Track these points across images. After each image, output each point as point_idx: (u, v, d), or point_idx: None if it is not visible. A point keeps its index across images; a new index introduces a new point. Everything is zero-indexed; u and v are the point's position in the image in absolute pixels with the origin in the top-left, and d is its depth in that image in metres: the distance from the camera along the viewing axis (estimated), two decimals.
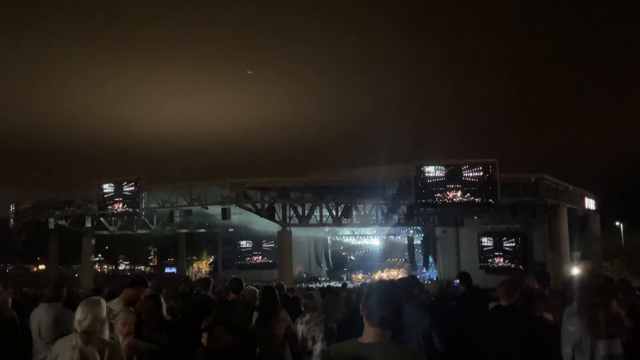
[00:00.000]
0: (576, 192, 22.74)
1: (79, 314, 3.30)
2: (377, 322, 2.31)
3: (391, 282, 2.52)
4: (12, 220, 27.68)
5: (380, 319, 2.31)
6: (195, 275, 37.97)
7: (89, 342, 3.21)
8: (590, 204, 24.25)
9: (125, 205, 22.13)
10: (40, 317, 5.14)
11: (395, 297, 2.39)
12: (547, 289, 5.59)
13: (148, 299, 4.93)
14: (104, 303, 3.46)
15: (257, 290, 8.30)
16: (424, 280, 24.71)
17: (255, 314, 5.44)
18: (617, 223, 29.82)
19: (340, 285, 16.88)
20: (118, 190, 22.35)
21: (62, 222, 26.90)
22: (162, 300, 5.07)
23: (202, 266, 50.65)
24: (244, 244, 32.33)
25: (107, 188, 22.76)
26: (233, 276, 6.33)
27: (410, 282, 5.10)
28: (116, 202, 22.38)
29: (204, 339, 4.30)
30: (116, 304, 4.65)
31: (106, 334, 3.47)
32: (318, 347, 5.07)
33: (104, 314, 3.44)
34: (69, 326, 4.81)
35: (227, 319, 4.91)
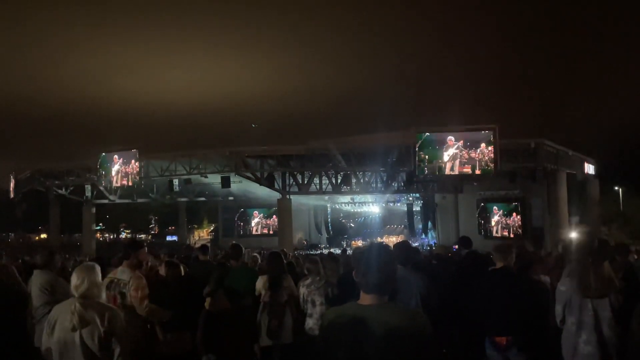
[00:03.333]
0: (575, 157, 22.73)
1: (75, 279, 3.30)
2: (370, 290, 2.33)
3: (380, 246, 2.50)
4: (12, 190, 27.73)
5: (373, 286, 2.32)
6: (195, 244, 38.30)
7: (87, 306, 3.23)
8: (589, 169, 24.27)
9: (124, 175, 22.11)
10: (32, 283, 5.26)
11: (385, 262, 2.37)
12: (541, 250, 5.67)
13: (168, 265, 5.04)
14: (98, 268, 3.45)
15: (258, 257, 8.43)
16: (423, 247, 24.99)
17: (260, 280, 5.53)
18: (616, 188, 29.92)
19: (340, 251, 17.06)
20: (117, 159, 22.30)
21: (61, 192, 26.97)
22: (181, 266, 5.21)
23: (202, 234, 51.07)
24: (244, 211, 32.56)
25: (106, 157, 22.71)
26: (233, 242, 6.39)
27: (406, 245, 5.16)
28: (115, 171, 22.36)
29: (207, 303, 4.37)
30: (122, 273, 4.62)
31: (103, 298, 3.49)
32: (317, 310, 5.19)
33: (100, 278, 3.44)
34: (60, 293, 4.88)
35: (228, 284, 5.00)
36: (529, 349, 4.17)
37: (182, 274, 5.15)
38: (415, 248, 7.17)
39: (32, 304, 5.17)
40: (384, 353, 2.22)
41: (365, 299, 2.34)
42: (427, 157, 18.61)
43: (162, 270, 5.20)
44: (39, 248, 25.69)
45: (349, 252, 14.38)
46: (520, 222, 24.41)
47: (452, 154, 18.52)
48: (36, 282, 5.23)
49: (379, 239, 30.43)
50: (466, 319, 4.95)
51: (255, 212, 32.28)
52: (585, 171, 23.57)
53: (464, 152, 18.37)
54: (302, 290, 5.38)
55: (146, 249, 5.04)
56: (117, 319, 3.31)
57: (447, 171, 18.64)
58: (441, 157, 18.58)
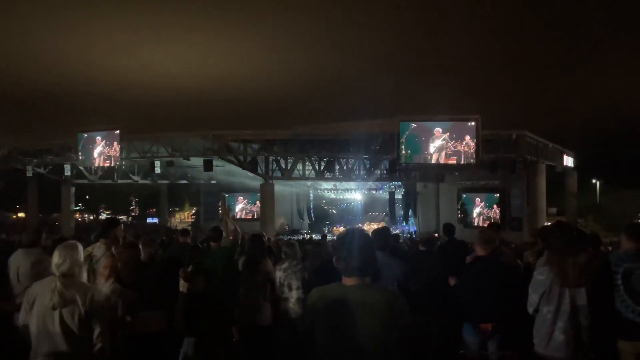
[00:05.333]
0: (555, 150, 23.04)
1: (56, 257, 3.27)
2: (352, 272, 2.43)
3: (358, 231, 2.60)
4: None
5: (354, 268, 2.42)
6: (177, 226, 38.09)
7: (69, 285, 3.21)
8: (568, 161, 24.65)
9: (105, 155, 21.80)
10: (18, 262, 5.15)
11: (364, 245, 2.47)
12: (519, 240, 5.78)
13: (126, 247, 4.95)
14: (80, 247, 3.43)
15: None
16: (404, 234, 25.20)
17: (241, 261, 5.54)
18: (594, 181, 30.48)
19: (320, 237, 17.12)
20: (98, 140, 21.96)
21: (40, 170, 26.52)
22: (141, 248, 5.10)
23: (184, 217, 50.75)
24: (226, 195, 32.37)
25: (86, 137, 22.34)
26: (213, 225, 6.39)
27: (385, 231, 5.22)
28: (96, 152, 22.02)
29: (182, 285, 4.38)
30: (98, 249, 4.64)
31: (84, 278, 3.47)
32: (294, 294, 5.24)
33: (82, 257, 3.43)
34: (47, 271, 4.84)
35: (205, 266, 4.99)
36: (505, 335, 4.29)
37: (141, 256, 5.04)
38: (395, 235, 7.27)
39: (15, 284, 5.09)
40: (364, 329, 2.32)
41: (348, 281, 2.44)
42: (411, 149, 18.64)
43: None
44: (20, 227, 25.34)
45: (330, 238, 14.45)
46: (499, 212, 24.76)
47: (438, 145, 18.60)
48: (24, 262, 5.13)
49: (359, 225, 30.66)
50: (444, 305, 5.05)
51: (240, 197, 32.14)
52: (565, 163, 23.93)
53: (449, 145, 18.46)
54: (279, 274, 5.43)
55: (122, 226, 5.01)
56: (98, 299, 3.30)
57: (434, 162, 18.76)
58: (427, 148, 18.66)
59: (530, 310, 3.61)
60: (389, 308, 2.35)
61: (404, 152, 18.68)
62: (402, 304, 2.42)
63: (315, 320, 2.46)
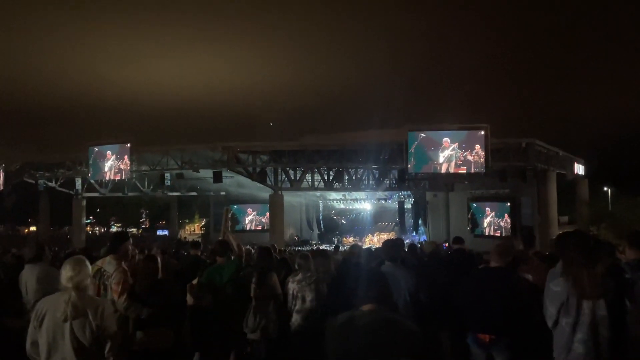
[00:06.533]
0: (566, 157, 22.87)
1: (69, 271, 3.28)
2: (369, 301, 2.57)
3: (369, 265, 2.81)
4: (1, 182, 27.47)
5: (369, 299, 2.56)
6: (185, 238, 38.18)
7: (81, 298, 3.22)
8: (579, 169, 24.44)
9: (116, 169, 21.95)
10: (25, 278, 5.19)
11: (376, 280, 2.66)
12: (531, 250, 5.70)
13: (146, 260, 4.96)
14: (87, 262, 3.45)
15: (251, 250, 8.42)
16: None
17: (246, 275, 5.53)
18: (605, 188, 30.16)
19: (332, 248, 17.03)
20: (108, 153, 22.13)
21: (51, 184, 26.77)
22: (159, 261, 5.11)
23: (194, 229, 50.87)
24: (235, 207, 32.43)
25: (97, 151, 22.53)
26: (219, 239, 6.34)
27: (395, 242, 5.17)
28: (107, 165, 22.19)
29: (188, 298, 4.36)
30: (108, 265, 4.62)
31: (91, 291, 3.49)
32: (307, 307, 5.17)
33: (90, 271, 3.45)
34: (52, 286, 4.85)
35: (213, 280, 4.98)
36: (513, 348, 4.18)
37: (159, 271, 5.04)
38: (407, 245, 7.25)
39: (27, 298, 5.12)
40: (380, 354, 2.37)
41: (365, 307, 2.56)
42: (420, 159, 18.61)
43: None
44: (28, 241, 25.54)
45: (342, 249, 14.36)
46: (510, 221, 24.53)
47: (447, 156, 18.55)
48: (31, 277, 5.17)
49: (370, 236, 30.52)
50: (453, 315, 4.98)
51: (249, 209, 32.17)
52: (575, 171, 23.73)
53: (459, 154, 18.39)
54: (292, 286, 5.30)
55: (131, 240, 5.01)
56: (109, 313, 3.31)
57: (443, 171, 18.72)
58: (436, 158, 18.61)
59: (550, 323, 3.48)
60: (402, 334, 2.43)
61: (412, 162, 18.65)
62: (414, 330, 2.48)
63: (335, 346, 2.52)
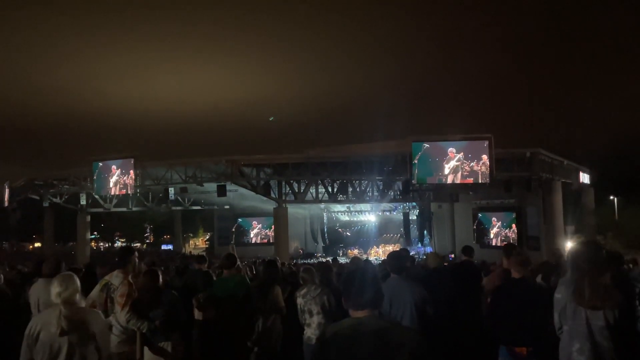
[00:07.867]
0: (571, 167, 22.79)
1: (57, 287, 3.35)
2: (363, 306, 2.43)
3: (363, 265, 2.68)
4: (6, 198, 27.58)
5: (365, 302, 2.43)
6: (191, 252, 38.15)
7: (72, 311, 3.29)
8: (584, 178, 24.34)
9: (120, 184, 22.01)
10: (39, 292, 5.17)
11: (369, 283, 2.49)
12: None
13: (145, 274, 4.96)
14: (76, 277, 3.50)
15: (252, 266, 8.40)
16: (419, 256, 24.96)
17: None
18: (611, 197, 30.00)
19: (331, 260, 16.94)
20: (113, 168, 22.21)
21: (56, 200, 26.85)
22: (160, 275, 5.10)
23: (198, 243, 50.81)
24: (240, 220, 32.43)
25: (102, 166, 22.60)
26: (227, 253, 6.34)
27: (399, 254, 5.13)
28: (111, 180, 22.25)
29: (196, 314, 4.34)
30: (115, 278, 4.72)
31: (83, 304, 3.55)
32: (315, 320, 5.15)
33: (79, 285, 3.48)
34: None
35: (219, 294, 4.95)
36: (547, 358, 4.15)
37: (159, 282, 5.04)
38: (411, 257, 7.19)
39: (39, 311, 5.10)
40: None
41: (358, 314, 2.43)
42: (424, 170, 18.53)
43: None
44: (37, 256, 25.53)
45: (342, 261, 14.30)
46: (516, 231, 24.41)
47: (453, 166, 18.47)
48: (44, 292, 5.14)
49: (375, 248, 30.39)
50: (478, 328, 4.93)
51: (254, 222, 32.16)
52: (581, 180, 23.63)
53: (465, 165, 18.31)
54: (299, 301, 5.32)
55: (137, 254, 5.11)
56: (100, 321, 3.42)
57: (449, 182, 18.64)
58: (441, 169, 18.53)
59: (557, 329, 3.53)
60: (402, 341, 2.30)
61: (417, 172, 18.59)
62: (416, 337, 2.38)
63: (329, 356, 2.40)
